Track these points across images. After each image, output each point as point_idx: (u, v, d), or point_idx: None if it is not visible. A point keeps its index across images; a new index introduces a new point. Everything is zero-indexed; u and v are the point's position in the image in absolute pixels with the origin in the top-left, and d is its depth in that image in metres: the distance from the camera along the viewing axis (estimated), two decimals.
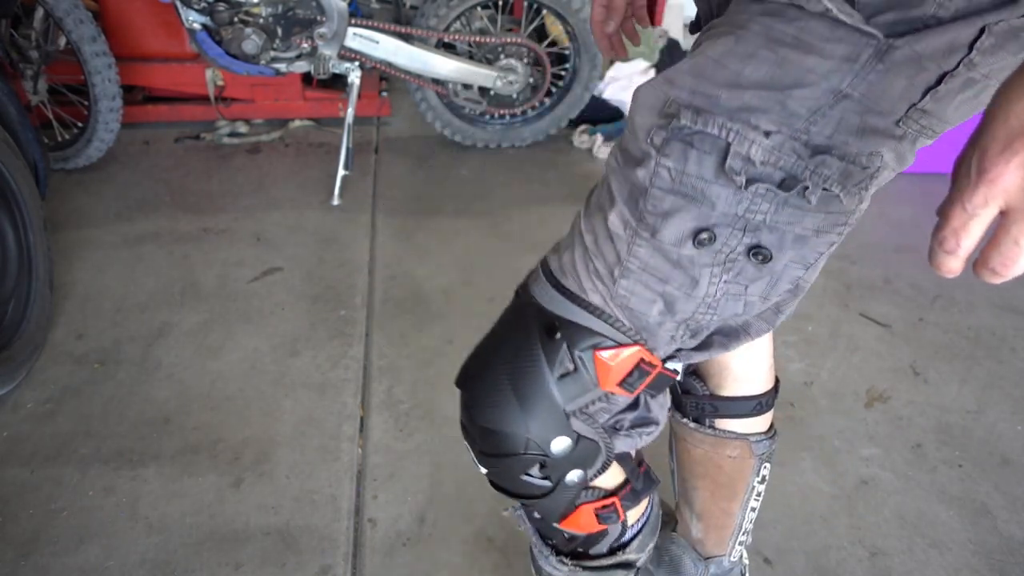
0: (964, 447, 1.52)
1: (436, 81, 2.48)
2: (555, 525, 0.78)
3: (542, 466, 0.69)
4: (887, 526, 1.35)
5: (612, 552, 0.82)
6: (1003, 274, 0.41)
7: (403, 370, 1.67)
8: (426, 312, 1.86)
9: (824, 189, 0.52)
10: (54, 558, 1.24)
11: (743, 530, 1.05)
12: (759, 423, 0.96)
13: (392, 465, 1.44)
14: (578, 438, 0.67)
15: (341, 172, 2.32)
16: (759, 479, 0.99)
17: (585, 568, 0.81)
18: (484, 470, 0.73)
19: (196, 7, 2.13)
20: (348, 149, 2.35)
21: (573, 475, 0.70)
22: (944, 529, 1.35)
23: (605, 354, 0.62)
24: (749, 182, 0.52)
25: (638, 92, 0.58)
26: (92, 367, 1.64)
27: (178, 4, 2.12)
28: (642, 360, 0.63)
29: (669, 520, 1.16)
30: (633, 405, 0.70)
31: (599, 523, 0.76)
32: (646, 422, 0.72)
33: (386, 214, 2.30)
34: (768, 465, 1.00)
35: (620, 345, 0.62)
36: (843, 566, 1.27)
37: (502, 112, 2.60)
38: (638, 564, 0.83)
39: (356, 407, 1.57)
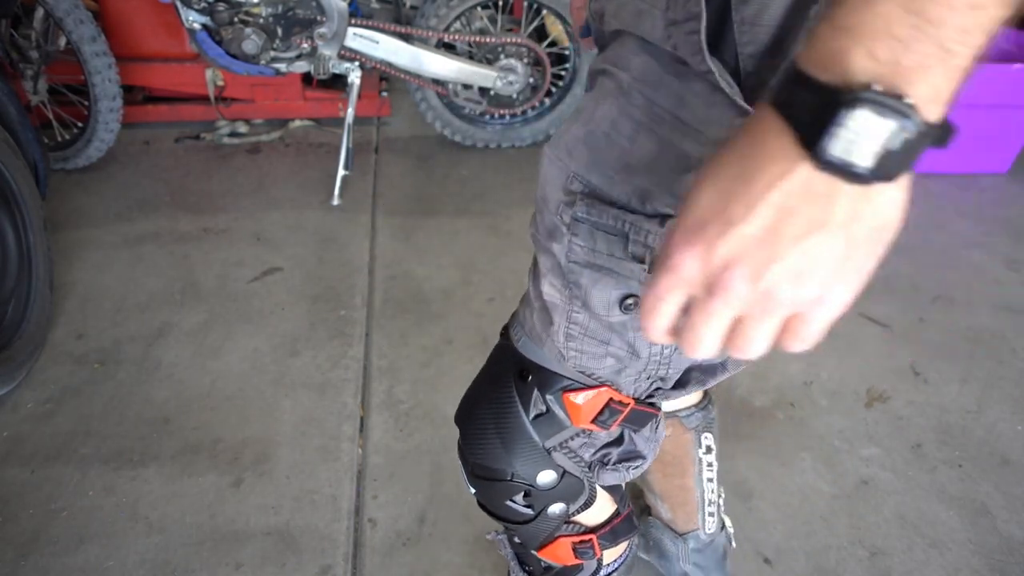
0: (964, 447, 1.52)
1: (436, 81, 2.48)
2: (533, 552, 0.80)
3: (526, 495, 0.71)
4: (887, 526, 1.35)
5: None
6: (689, 354, 0.42)
7: (403, 370, 1.67)
8: (426, 312, 1.86)
9: None
10: (54, 558, 1.24)
11: (708, 502, 1.07)
12: (686, 398, 0.98)
13: (392, 465, 1.44)
14: (563, 473, 0.70)
15: (341, 172, 2.32)
16: (703, 450, 1.02)
17: None
18: (473, 490, 0.75)
19: (196, 7, 2.13)
20: (348, 149, 2.35)
21: (556, 507, 0.73)
22: (944, 529, 1.35)
23: (574, 396, 0.64)
24: (649, 265, 0.52)
25: (543, 163, 0.58)
26: (92, 367, 1.64)
27: (178, 4, 2.12)
28: (611, 400, 0.64)
29: (646, 507, 1.20)
30: (618, 440, 0.71)
31: (575, 557, 0.78)
32: (632, 456, 0.72)
33: (386, 214, 2.30)
34: (709, 435, 1.02)
35: (586, 387, 0.64)
36: (843, 566, 1.27)
37: (502, 112, 2.60)
38: None
39: (356, 407, 1.57)
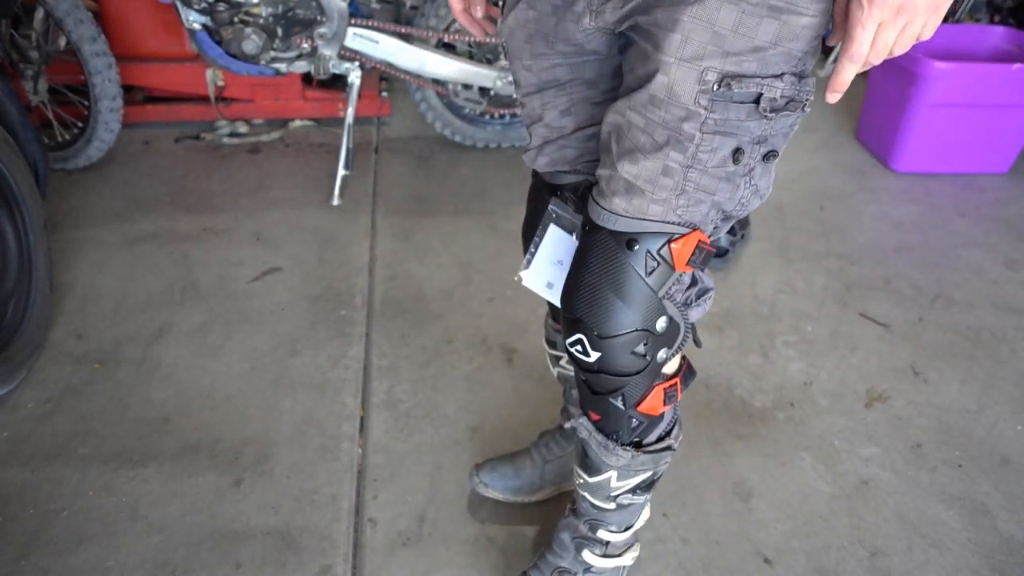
0: (964, 447, 1.52)
1: (436, 81, 2.48)
2: (631, 411, 0.95)
3: (645, 343, 0.88)
4: (887, 526, 1.35)
5: (660, 439, 1.02)
6: (868, 60, 0.72)
7: (403, 370, 1.67)
8: (426, 312, 1.86)
9: (807, 100, 0.77)
10: (54, 558, 1.24)
11: None
12: None
13: (392, 465, 1.44)
14: (670, 319, 0.88)
15: (341, 172, 2.32)
16: None
17: (644, 452, 1.00)
18: (595, 355, 0.89)
19: (196, 7, 2.13)
20: (348, 149, 2.35)
21: (662, 353, 0.90)
22: (944, 529, 1.35)
23: (675, 244, 0.83)
24: (772, 111, 0.75)
25: (665, 74, 0.75)
26: (92, 367, 1.64)
27: (178, 4, 2.13)
28: (700, 241, 0.84)
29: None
30: (693, 282, 0.91)
31: (664, 404, 0.95)
32: (705, 291, 0.94)
33: (386, 214, 2.30)
34: None
35: (684, 235, 0.83)
36: (843, 566, 1.27)
37: (502, 112, 2.60)
38: (675, 447, 1.03)
39: (356, 407, 1.57)
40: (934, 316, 1.93)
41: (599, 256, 0.86)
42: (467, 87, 2.52)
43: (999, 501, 1.40)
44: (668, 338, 0.89)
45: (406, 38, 2.35)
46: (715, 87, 0.74)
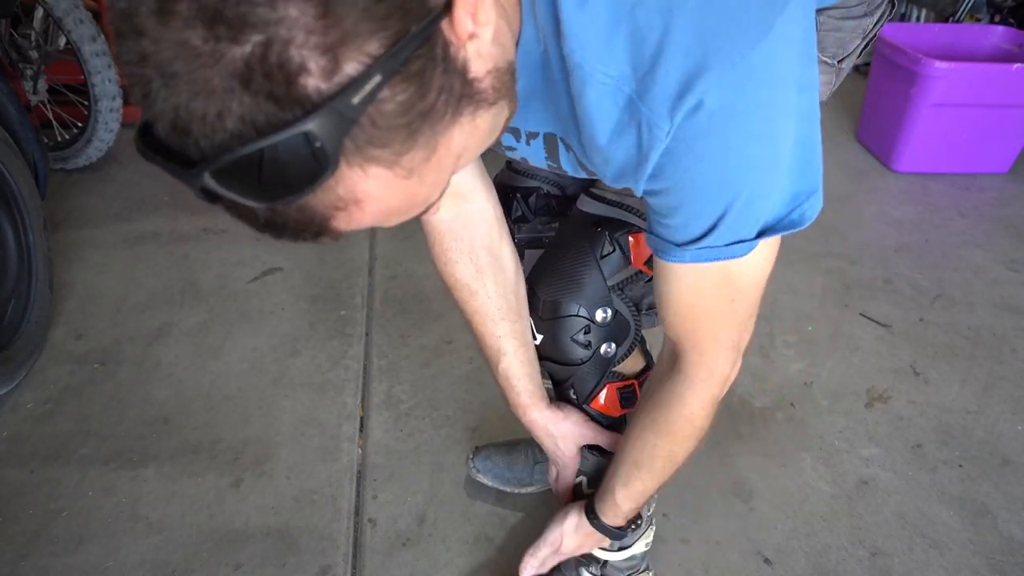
0: (964, 447, 1.52)
1: None
2: (586, 407, 0.97)
3: (586, 331, 0.88)
4: (887, 526, 1.35)
5: None
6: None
7: (403, 370, 1.67)
8: (426, 312, 1.86)
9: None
10: (54, 558, 1.24)
11: None
12: None
13: (392, 465, 1.44)
14: (615, 313, 0.88)
15: None
16: None
17: (606, 456, 1.01)
18: (539, 337, 0.91)
19: None
20: None
21: (607, 347, 0.90)
22: (944, 529, 1.34)
23: (634, 238, 0.84)
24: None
25: None
26: (92, 367, 1.64)
27: None
28: None
29: None
30: (648, 281, 0.91)
31: (621, 406, 0.97)
32: None
33: None
34: None
35: (644, 231, 0.82)
36: (843, 566, 1.27)
37: None
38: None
39: (356, 407, 1.57)
40: (934, 316, 1.93)
41: (568, 234, 0.88)
42: None
43: (999, 501, 1.40)
44: (613, 332, 0.90)
45: None
46: None
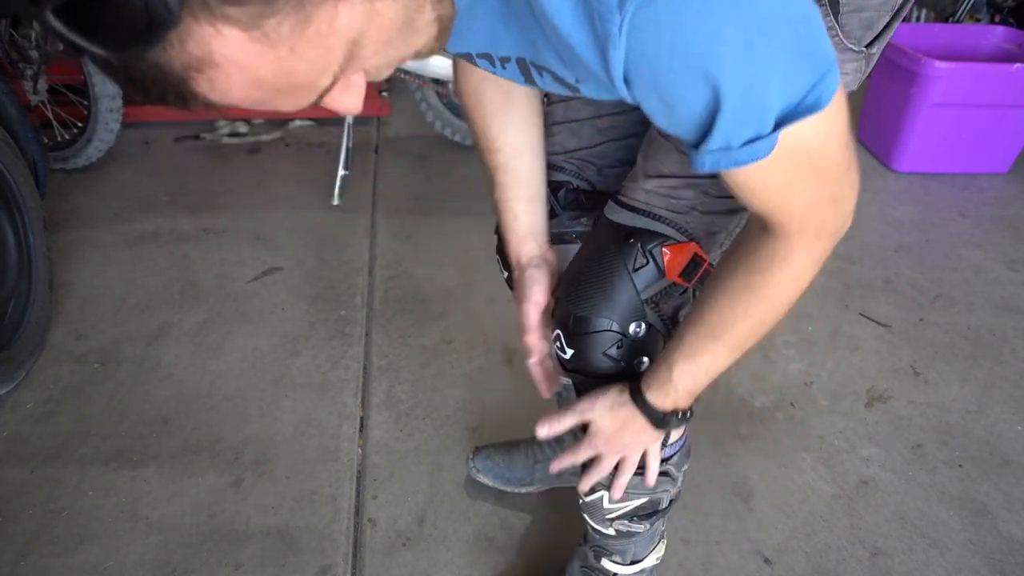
0: (964, 447, 1.52)
1: (436, 81, 2.48)
2: None
3: (619, 346, 0.85)
4: (887, 526, 1.35)
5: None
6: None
7: (403, 370, 1.67)
8: (426, 312, 1.86)
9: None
10: (54, 558, 1.24)
11: None
12: None
13: (392, 465, 1.44)
14: (649, 327, 0.85)
15: (341, 172, 2.32)
16: None
17: (634, 475, 0.94)
18: (569, 352, 0.88)
19: None
20: (348, 149, 2.35)
21: (639, 361, 0.87)
22: (944, 529, 1.35)
23: (668, 249, 0.82)
24: None
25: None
26: (92, 367, 1.64)
27: None
28: (696, 253, 0.82)
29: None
30: (689, 299, 0.88)
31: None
32: None
33: (386, 214, 2.30)
34: None
35: (680, 243, 0.81)
36: (843, 566, 1.27)
37: None
38: (677, 478, 0.99)
39: (356, 407, 1.57)
40: (934, 316, 1.93)
41: (597, 245, 0.86)
42: None
43: (999, 501, 1.40)
44: (646, 345, 0.86)
45: None
46: None
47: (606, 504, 0.99)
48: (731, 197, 0.71)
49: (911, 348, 1.81)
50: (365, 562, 1.25)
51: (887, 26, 0.76)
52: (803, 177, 0.61)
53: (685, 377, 0.79)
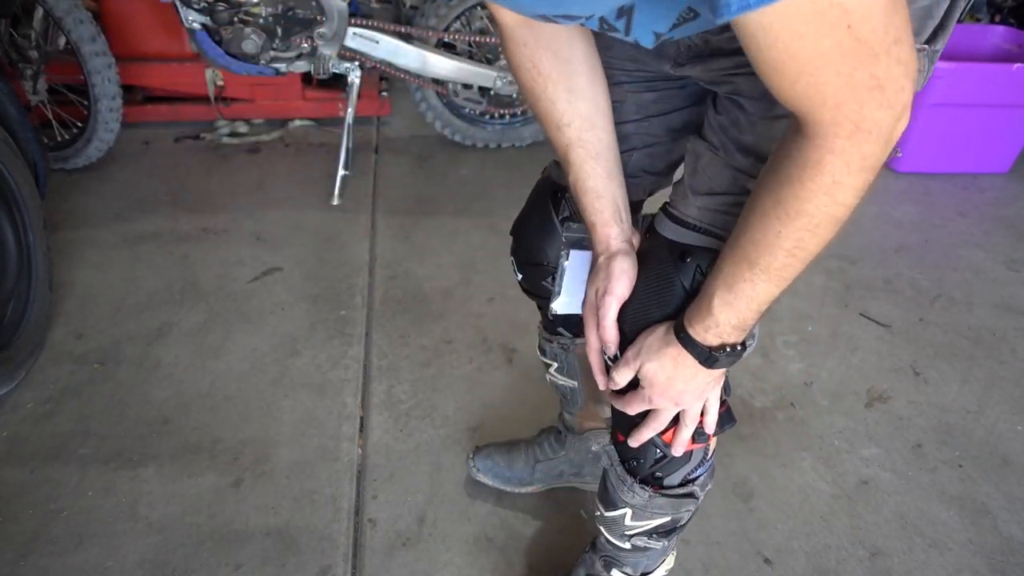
0: (964, 447, 1.52)
1: (436, 81, 2.48)
2: (656, 437, 0.88)
3: None
4: (887, 526, 1.35)
5: (683, 484, 0.93)
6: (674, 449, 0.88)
7: (403, 370, 1.67)
8: (426, 312, 1.86)
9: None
10: (54, 558, 1.24)
11: None
12: None
13: (392, 465, 1.43)
14: None
15: (341, 172, 2.32)
16: None
17: (662, 495, 0.93)
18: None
19: (196, 7, 2.12)
20: (348, 149, 2.35)
21: None
22: (944, 529, 1.34)
23: None
24: None
25: (757, 127, 0.74)
26: (92, 367, 1.64)
27: (178, 4, 2.12)
28: None
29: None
30: None
31: (692, 441, 0.88)
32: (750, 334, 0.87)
33: (386, 214, 2.30)
34: None
35: None
36: (843, 566, 1.27)
37: (502, 112, 2.60)
38: (700, 499, 0.96)
39: (356, 407, 1.57)
40: (934, 316, 1.93)
41: (652, 265, 0.82)
42: (467, 87, 2.52)
43: (999, 501, 1.40)
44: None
45: (406, 38, 2.34)
46: None
47: (627, 521, 0.97)
48: None
49: (911, 348, 1.80)
50: (365, 562, 1.25)
51: (947, 14, 0.68)
52: (839, 46, 0.50)
53: (726, 310, 0.71)
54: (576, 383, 1.21)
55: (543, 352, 1.21)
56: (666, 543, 1.01)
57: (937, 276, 2.09)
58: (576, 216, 0.96)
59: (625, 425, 0.89)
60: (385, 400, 1.59)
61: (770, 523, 1.34)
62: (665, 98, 0.90)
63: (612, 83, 0.87)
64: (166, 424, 1.51)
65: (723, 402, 0.90)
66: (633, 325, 0.83)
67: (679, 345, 0.76)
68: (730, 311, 0.71)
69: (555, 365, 1.19)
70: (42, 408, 1.53)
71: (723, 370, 0.79)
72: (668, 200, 0.84)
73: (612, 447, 0.96)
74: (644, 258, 0.84)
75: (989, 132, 2.59)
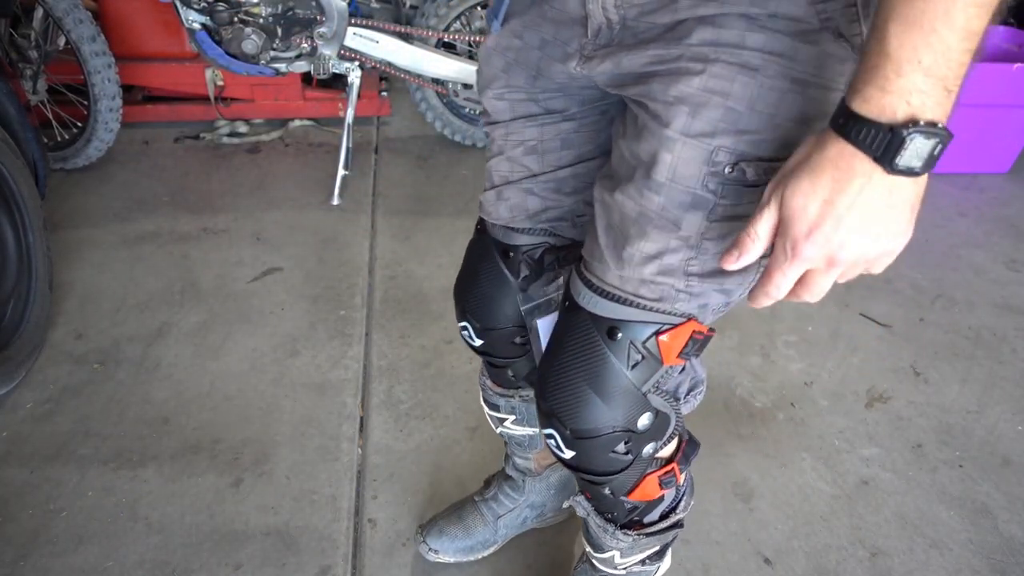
0: (964, 447, 1.52)
1: (436, 81, 2.48)
2: (623, 498, 0.85)
3: (626, 442, 0.77)
4: (887, 526, 1.35)
5: (664, 517, 0.93)
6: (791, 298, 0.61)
7: (403, 370, 1.67)
8: (426, 312, 1.86)
9: None
10: (54, 558, 1.24)
11: None
12: None
13: (392, 465, 1.43)
14: (656, 413, 0.77)
15: (341, 172, 2.32)
16: None
17: (646, 535, 0.91)
18: (570, 454, 0.80)
19: (196, 7, 2.12)
20: (348, 149, 2.35)
21: (648, 448, 0.79)
22: (944, 529, 1.34)
23: (664, 337, 0.72)
24: None
25: (675, 147, 0.64)
26: (91, 367, 1.64)
27: (178, 4, 2.12)
28: (694, 331, 0.73)
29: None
30: (682, 370, 0.79)
31: (660, 489, 0.86)
32: (696, 384, 0.84)
33: (386, 214, 2.30)
34: None
35: (676, 326, 0.72)
36: (843, 566, 1.27)
37: None
38: (683, 523, 0.95)
39: (356, 407, 1.57)
40: (934, 316, 1.93)
41: (577, 342, 0.74)
42: (467, 87, 2.52)
43: (1000, 501, 1.40)
44: (654, 433, 0.78)
45: (406, 38, 2.34)
46: (727, 170, 0.63)
47: (618, 560, 0.95)
48: (725, 238, 0.63)
49: (911, 348, 1.80)
50: (365, 562, 1.25)
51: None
52: None
53: (910, 33, 0.48)
54: (536, 428, 1.10)
55: (495, 407, 1.11)
56: (659, 564, 1.03)
57: (937, 276, 2.09)
58: (533, 275, 0.89)
59: (588, 489, 0.85)
60: (385, 400, 1.59)
61: (770, 523, 1.34)
62: (585, 127, 0.81)
63: (526, 116, 0.80)
64: (166, 424, 1.51)
65: (683, 439, 0.88)
66: (561, 404, 0.76)
67: (837, 136, 0.52)
68: (917, 35, 0.47)
69: (512, 418, 1.10)
70: (42, 408, 1.53)
71: (913, 210, 0.54)
72: (583, 258, 0.75)
73: (583, 498, 0.92)
74: (564, 330, 0.76)
75: (989, 132, 2.59)
